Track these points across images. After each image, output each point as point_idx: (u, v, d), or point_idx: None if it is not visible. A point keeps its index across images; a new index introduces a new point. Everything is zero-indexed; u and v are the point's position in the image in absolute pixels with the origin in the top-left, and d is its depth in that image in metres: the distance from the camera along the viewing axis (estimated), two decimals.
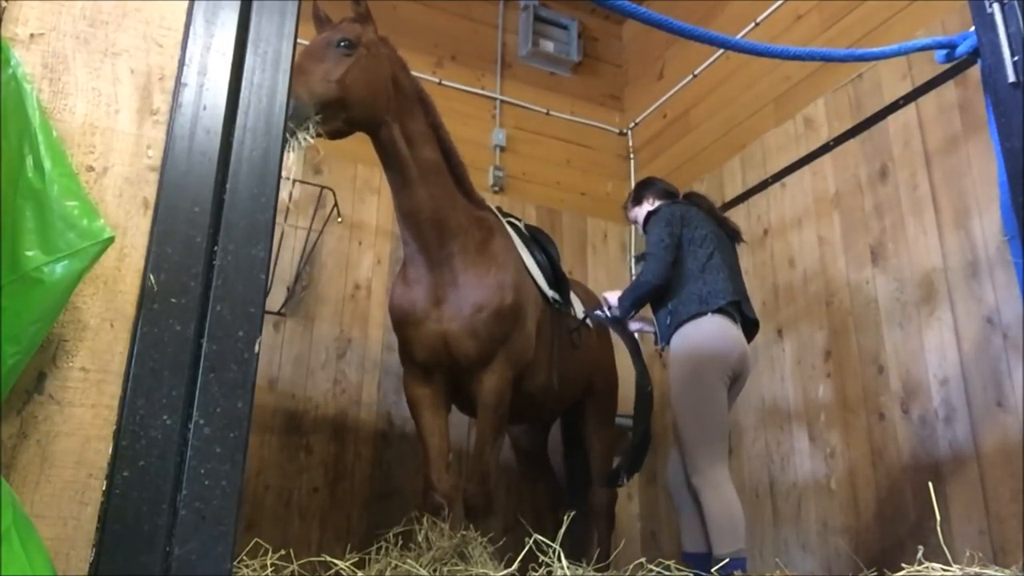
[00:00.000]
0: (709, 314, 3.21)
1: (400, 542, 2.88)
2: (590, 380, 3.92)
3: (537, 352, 3.38)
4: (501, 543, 2.92)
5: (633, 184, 5.55)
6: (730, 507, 3.08)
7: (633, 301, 3.45)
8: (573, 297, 3.83)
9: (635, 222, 3.74)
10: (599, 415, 4.03)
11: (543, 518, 3.94)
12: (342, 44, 2.87)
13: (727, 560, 2.89)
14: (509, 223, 3.59)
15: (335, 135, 2.91)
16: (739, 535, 3.03)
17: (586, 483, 4.03)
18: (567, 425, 4.17)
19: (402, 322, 3.20)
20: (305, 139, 2.64)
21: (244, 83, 1.41)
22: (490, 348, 3.11)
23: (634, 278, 3.53)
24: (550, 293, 3.50)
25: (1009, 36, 2.15)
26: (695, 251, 3.33)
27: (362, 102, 2.90)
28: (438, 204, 3.13)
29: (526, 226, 3.79)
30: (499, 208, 3.69)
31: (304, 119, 2.64)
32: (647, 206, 3.62)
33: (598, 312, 3.71)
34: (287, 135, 2.51)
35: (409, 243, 3.18)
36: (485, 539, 2.87)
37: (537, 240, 3.69)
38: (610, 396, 4.16)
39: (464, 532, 2.89)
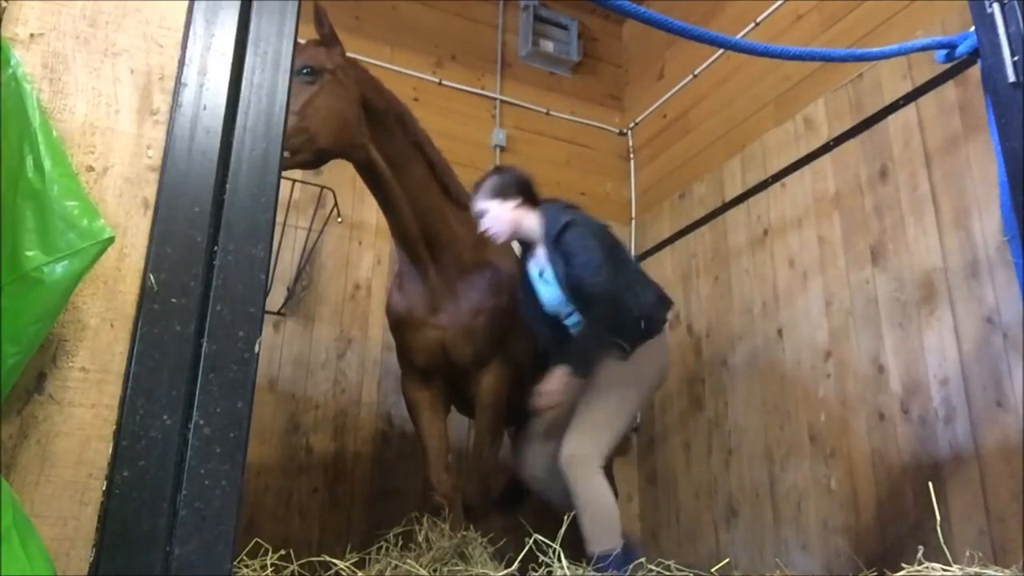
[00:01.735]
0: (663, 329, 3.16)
1: (400, 542, 2.89)
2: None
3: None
4: (501, 543, 2.92)
5: (633, 184, 5.57)
6: (612, 501, 2.91)
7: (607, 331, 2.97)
8: None
9: (485, 217, 3.09)
10: None
11: (543, 518, 3.93)
12: (304, 72, 2.76)
13: (614, 555, 2.80)
14: None
15: (304, 166, 2.82)
16: (618, 530, 2.91)
17: None
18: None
19: (399, 328, 3.21)
20: None
21: (244, 83, 1.41)
22: (487, 350, 3.12)
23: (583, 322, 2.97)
24: None
25: (1009, 36, 2.15)
26: (626, 262, 3.11)
27: (328, 131, 2.78)
28: (427, 220, 3.09)
29: None
30: None
31: None
32: (530, 209, 3.14)
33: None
34: None
35: (403, 256, 3.18)
36: (485, 540, 2.88)
37: None
38: None
39: (464, 532, 2.90)
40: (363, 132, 2.93)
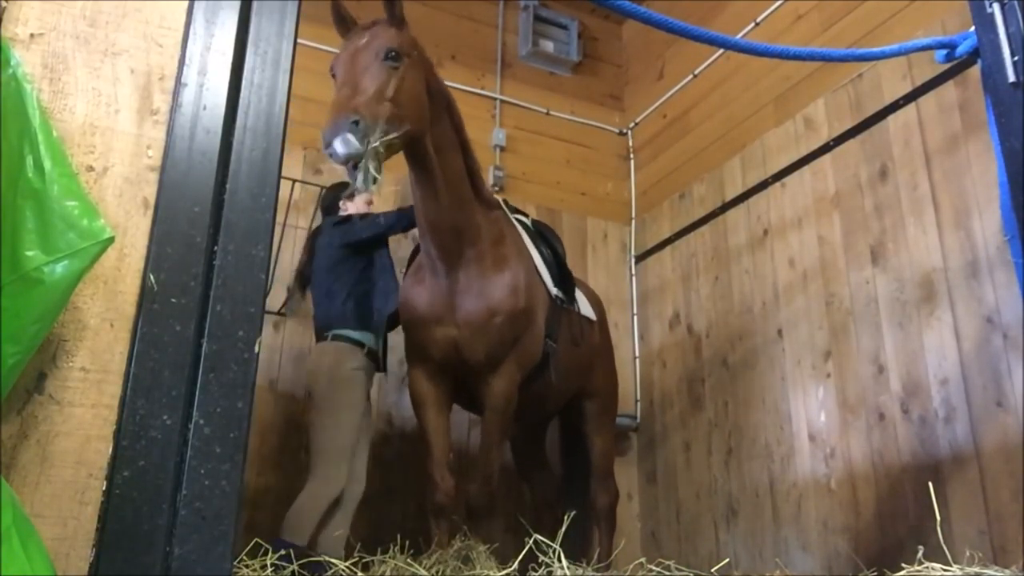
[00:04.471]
0: None
1: (406, 543, 2.89)
2: (588, 378, 3.91)
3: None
4: (501, 543, 2.93)
5: (633, 184, 5.57)
6: None
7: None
8: (578, 295, 3.82)
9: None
10: (600, 415, 4.03)
11: (543, 518, 3.94)
12: (390, 56, 2.73)
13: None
14: (517, 219, 3.59)
15: (391, 154, 2.75)
16: None
17: (586, 483, 4.03)
18: (567, 425, 4.17)
19: (416, 325, 3.19)
20: (377, 169, 2.51)
21: (244, 83, 1.41)
22: (501, 351, 3.12)
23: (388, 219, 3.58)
24: (554, 291, 3.49)
25: (1009, 36, 2.15)
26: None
27: (416, 117, 2.78)
28: (460, 213, 3.08)
29: (533, 221, 3.79)
30: (506, 202, 3.67)
31: (369, 139, 2.50)
32: None
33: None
34: (357, 164, 2.47)
35: (429, 249, 3.14)
36: (488, 547, 2.88)
37: (543, 236, 3.68)
38: (610, 396, 4.16)
39: (467, 534, 2.91)
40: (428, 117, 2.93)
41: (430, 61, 3.06)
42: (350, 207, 3.70)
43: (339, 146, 2.48)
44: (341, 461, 3.23)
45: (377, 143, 2.51)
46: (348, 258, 3.46)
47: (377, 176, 2.51)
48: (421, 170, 2.99)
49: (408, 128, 2.73)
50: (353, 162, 2.50)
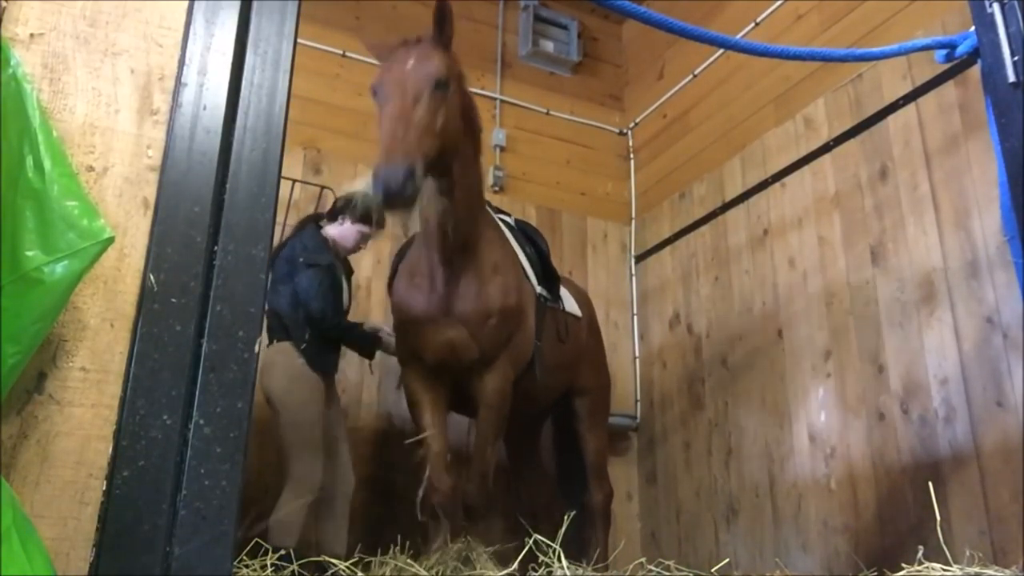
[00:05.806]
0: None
1: (406, 543, 2.89)
2: (576, 376, 3.91)
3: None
4: (501, 544, 2.93)
5: (633, 184, 5.58)
6: None
7: None
8: (564, 292, 3.83)
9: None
10: (592, 413, 4.03)
11: (541, 518, 3.94)
12: (440, 85, 2.72)
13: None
14: (501, 219, 3.60)
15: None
16: None
17: (581, 482, 4.03)
18: (560, 424, 4.17)
19: (410, 325, 3.19)
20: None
21: (244, 83, 1.41)
22: (494, 351, 3.13)
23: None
24: (539, 290, 3.51)
25: (1009, 36, 2.15)
26: None
27: (454, 144, 2.82)
28: (469, 225, 3.10)
29: (516, 221, 3.81)
30: (488, 203, 3.68)
31: (419, 185, 2.48)
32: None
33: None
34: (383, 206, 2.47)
35: (432, 256, 3.13)
36: (489, 549, 2.89)
37: (527, 235, 3.70)
38: (602, 394, 4.16)
39: (466, 535, 2.91)
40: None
41: (465, 76, 3.03)
42: (332, 231, 3.55)
43: (393, 187, 2.42)
44: (313, 459, 3.20)
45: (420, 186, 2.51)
46: (289, 275, 3.39)
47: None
48: (442, 183, 2.96)
49: (446, 155, 2.76)
50: (396, 205, 2.48)
